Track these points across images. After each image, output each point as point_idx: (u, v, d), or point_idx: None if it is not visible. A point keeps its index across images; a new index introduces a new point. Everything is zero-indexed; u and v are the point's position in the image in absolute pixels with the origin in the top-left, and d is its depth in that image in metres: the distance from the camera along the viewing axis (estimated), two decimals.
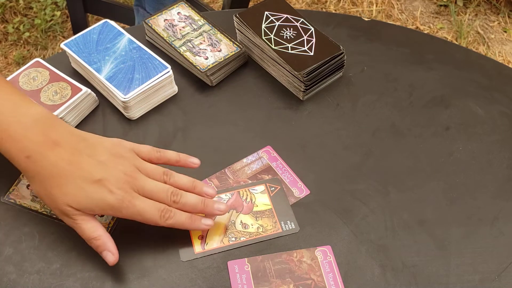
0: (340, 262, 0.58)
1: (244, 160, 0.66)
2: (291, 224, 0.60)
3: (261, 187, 0.63)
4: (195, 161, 0.60)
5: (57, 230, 0.59)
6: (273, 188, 0.63)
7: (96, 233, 0.54)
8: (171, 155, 0.60)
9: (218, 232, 0.60)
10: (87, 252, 0.58)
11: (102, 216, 0.60)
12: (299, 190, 0.63)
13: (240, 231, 0.60)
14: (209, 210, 0.57)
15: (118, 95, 0.67)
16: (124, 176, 0.54)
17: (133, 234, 0.59)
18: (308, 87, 0.71)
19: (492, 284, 0.57)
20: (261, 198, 0.63)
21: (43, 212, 0.60)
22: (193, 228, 0.57)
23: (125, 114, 0.69)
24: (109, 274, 0.56)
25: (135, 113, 0.69)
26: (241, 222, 0.61)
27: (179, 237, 0.59)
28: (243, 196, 0.62)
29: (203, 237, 0.59)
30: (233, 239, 0.59)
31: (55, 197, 0.52)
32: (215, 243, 0.59)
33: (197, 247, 0.58)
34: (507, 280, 0.57)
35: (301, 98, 0.72)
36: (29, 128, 0.53)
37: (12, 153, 0.53)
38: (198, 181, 0.59)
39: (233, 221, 0.61)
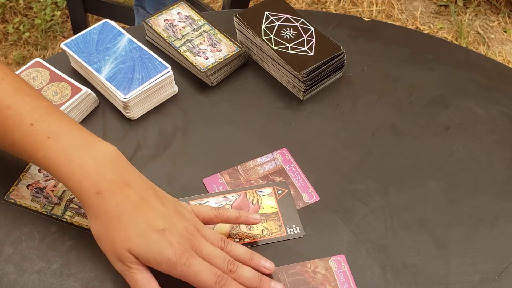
0: None
1: (258, 159, 0.66)
2: (296, 228, 0.60)
3: (269, 190, 0.63)
4: (256, 217, 0.58)
5: (57, 230, 0.59)
6: (281, 191, 0.63)
7: (150, 286, 0.51)
8: (230, 212, 0.58)
9: (223, 232, 0.59)
10: (87, 252, 0.58)
11: None
12: (308, 196, 0.63)
13: (244, 232, 0.60)
14: None
15: (118, 95, 0.67)
16: (186, 233, 0.52)
17: None
18: (308, 87, 0.71)
19: (492, 284, 0.57)
20: (268, 200, 0.62)
21: (43, 212, 0.60)
22: None
23: (125, 114, 0.69)
24: (109, 274, 0.56)
25: (135, 113, 0.69)
26: None
27: None
28: (249, 198, 0.62)
29: None
30: (237, 240, 0.59)
31: (116, 239, 0.51)
32: None
33: None
34: (507, 280, 0.57)
35: (301, 98, 0.72)
36: (103, 166, 0.52)
37: (83, 188, 0.51)
38: (256, 254, 0.56)
39: None
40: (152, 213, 0.51)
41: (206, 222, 0.56)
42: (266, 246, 0.59)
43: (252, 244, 0.59)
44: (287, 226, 0.60)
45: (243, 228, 0.60)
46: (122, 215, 0.51)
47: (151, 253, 0.50)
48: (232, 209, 0.59)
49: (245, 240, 0.59)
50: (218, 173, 0.64)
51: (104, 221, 0.51)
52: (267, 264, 0.55)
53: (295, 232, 0.60)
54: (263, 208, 0.62)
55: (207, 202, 0.61)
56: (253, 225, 0.60)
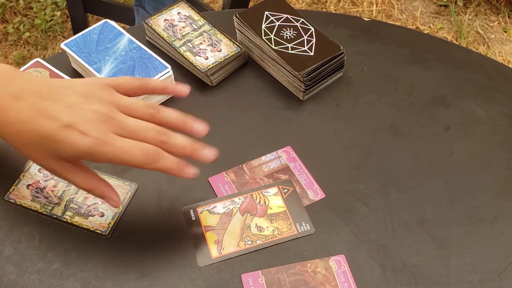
0: None
1: (263, 158, 0.66)
2: (306, 225, 0.60)
3: (274, 189, 0.63)
4: (184, 88, 0.54)
5: (57, 230, 0.59)
6: (286, 190, 0.63)
7: (94, 179, 0.52)
8: (155, 82, 0.53)
9: (234, 236, 0.59)
10: (87, 252, 0.58)
11: (101, 217, 0.60)
12: (314, 193, 0.63)
13: (255, 234, 0.59)
14: (198, 155, 0.52)
15: None
16: (99, 116, 0.48)
17: (134, 233, 0.59)
18: (308, 87, 0.71)
19: (492, 284, 0.57)
20: (275, 200, 0.62)
21: (43, 212, 0.60)
22: (180, 175, 0.51)
23: None
24: (109, 274, 0.56)
25: None
26: (256, 225, 0.60)
27: (182, 237, 0.59)
28: (256, 199, 0.62)
29: (219, 242, 0.59)
30: (249, 242, 0.59)
31: (34, 153, 0.49)
32: (231, 247, 0.58)
33: (214, 252, 0.58)
34: (507, 280, 0.57)
35: (301, 98, 0.72)
36: None
37: None
38: (188, 116, 0.52)
39: (248, 225, 0.60)
40: (52, 112, 0.48)
41: (130, 94, 0.52)
42: (266, 245, 0.59)
43: (265, 246, 0.59)
44: (297, 224, 0.60)
45: (254, 230, 0.60)
46: (24, 130, 0.48)
47: (69, 151, 0.48)
48: (156, 79, 0.53)
49: (257, 242, 0.59)
50: (224, 172, 0.64)
51: (15, 137, 0.49)
52: (200, 126, 0.52)
53: (306, 229, 0.60)
54: (271, 208, 0.62)
55: (214, 207, 0.61)
56: (263, 227, 0.60)
